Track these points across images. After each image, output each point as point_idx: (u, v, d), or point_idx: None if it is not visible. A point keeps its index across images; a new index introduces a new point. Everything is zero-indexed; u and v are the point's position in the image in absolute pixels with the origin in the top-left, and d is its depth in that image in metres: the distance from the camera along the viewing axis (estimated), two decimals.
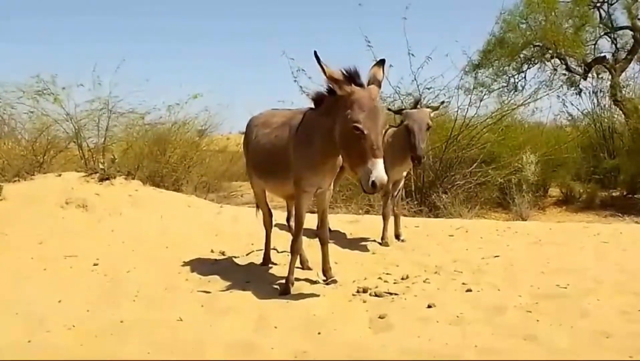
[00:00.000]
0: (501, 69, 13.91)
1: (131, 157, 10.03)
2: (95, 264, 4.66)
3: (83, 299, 3.73)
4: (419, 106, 5.58)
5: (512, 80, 14.24)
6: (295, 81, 10.05)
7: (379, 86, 3.49)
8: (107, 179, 6.87)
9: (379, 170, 3.21)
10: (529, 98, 11.71)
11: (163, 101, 10.55)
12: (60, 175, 7.11)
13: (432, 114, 5.45)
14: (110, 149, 10.07)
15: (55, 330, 3.17)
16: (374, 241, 5.57)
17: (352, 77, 3.39)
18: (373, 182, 3.19)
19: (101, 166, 7.20)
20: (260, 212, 4.89)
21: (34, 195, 6.34)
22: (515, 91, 13.71)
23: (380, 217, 5.72)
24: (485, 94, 11.40)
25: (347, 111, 3.31)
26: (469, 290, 3.81)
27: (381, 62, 3.61)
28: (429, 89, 9.91)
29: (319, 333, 3.11)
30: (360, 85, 3.39)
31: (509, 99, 12.54)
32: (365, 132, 3.24)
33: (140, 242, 5.45)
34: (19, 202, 6.19)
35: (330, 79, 3.40)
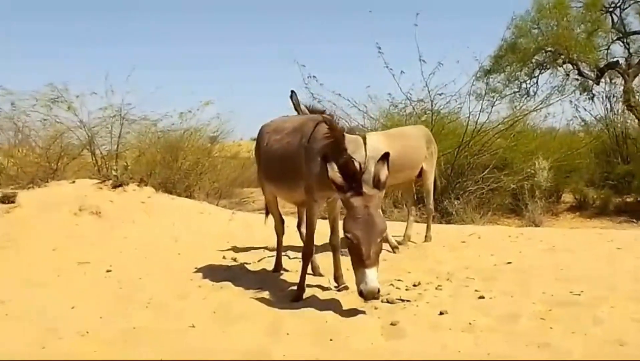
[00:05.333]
0: (513, 74, 13.83)
1: (143, 164, 10.12)
2: (108, 271, 4.69)
3: (96, 306, 3.76)
4: None
5: (524, 85, 14.14)
6: (306, 87, 10.12)
7: (381, 187, 3.50)
8: (120, 186, 6.93)
9: (368, 281, 3.30)
10: (541, 104, 11.68)
11: (174, 109, 10.64)
12: (74, 182, 7.18)
13: None
14: (123, 156, 10.16)
15: (68, 336, 3.19)
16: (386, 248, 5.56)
17: (353, 181, 3.42)
18: (361, 291, 3.33)
19: (114, 173, 7.27)
20: (271, 218, 4.90)
21: (48, 202, 6.41)
22: (527, 97, 13.64)
23: (392, 223, 5.72)
24: (496, 100, 11.38)
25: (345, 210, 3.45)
26: (481, 297, 3.78)
27: (385, 157, 3.56)
28: (440, 95, 9.89)
29: (331, 340, 3.10)
30: (359, 192, 3.40)
31: (521, 104, 12.52)
32: (355, 242, 3.34)
33: (152, 249, 5.49)
34: (34, 209, 6.26)
35: (332, 182, 3.46)
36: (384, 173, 3.51)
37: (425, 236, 5.74)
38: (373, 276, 3.31)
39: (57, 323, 3.39)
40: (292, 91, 5.16)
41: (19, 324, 3.44)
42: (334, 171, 3.46)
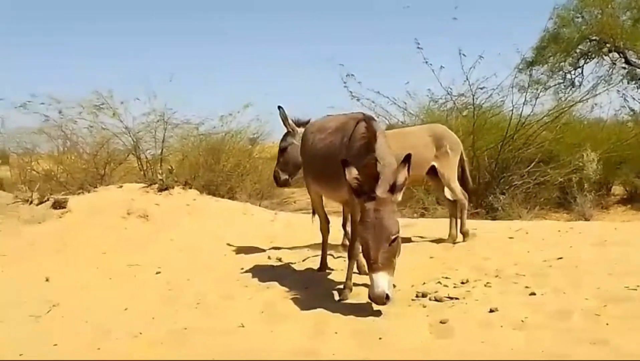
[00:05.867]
0: (556, 65, 13.47)
1: (187, 168, 10.29)
2: (157, 273, 4.79)
3: (147, 307, 3.84)
4: None
5: (568, 76, 13.78)
6: (345, 86, 10.10)
7: (396, 191, 3.45)
8: (166, 189, 7.07)
9: (374, 285, 3.32)
10: (587, 94, 11.31)
11: (217, 113, 10.78)
12: (121, 187, 7.36)
13: None
14: (167, 160, 10.35)
15: (122, 337, 3.27)
16: (432, 242, 5.51)
17: (370, 184, 3.43)
18: (369, 295, 3.36)
19: (159, 177, 7.40)
20: (317, 218, 4.91)
21: (97, 206, 6.59)
22: (573, 87, 13.28)
23: (437, 220, 5.65)
24: (540, 92, 11.06)
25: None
26: (532, 294, 3.70)
27: (407, 160, 3.50)
28: (481, 88, 9.71)
29: (380, 339, 3.09)
30: (371, 196, 3.41)
31: (566, 95, 12.17)
32: (363, 245, 3.41)
33: (199, 250, 5.58)
34: (84, 214, 6.45)
35: (348, 185, 3.50)
36: (401, 177, 3.47)
37: (462, 233, 5.60)
38: (381, 281, 3.30)
39: (110, 325, 3.49)
40: (279, 107, 5.32)
41: (74, 325, 3.55)
42: (350, 175, 3.47)
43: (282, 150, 5.39)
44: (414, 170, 5.34)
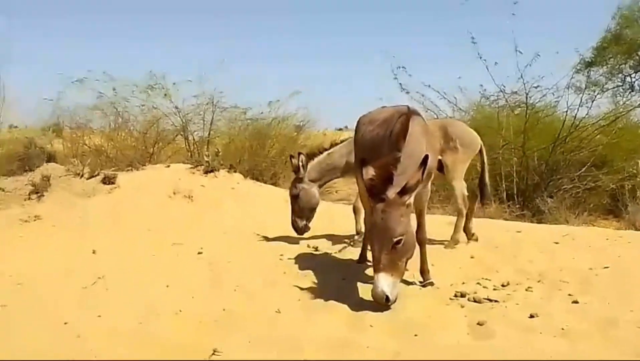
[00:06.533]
0: (617, 67, 12.92)
1: (233, 151, 10.40)
2: (199, 253, 4.89)
3: (188, 286, 3.93)
4: None
5: (628, 79, 13.22)
6: (395, 78, 9.99)
7: (406, 193, 3.43)
8: (212, 171, 7.20)
9: (375, 285, 3.35)
10: None
11: (264, 98, 10.85)
12: (169, 166, 7.53)
13: None
14: (213, 142, 10.49)
15: (163, 314, 3.36)
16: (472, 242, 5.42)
17: (384, 185, 3.46)
18: (371, 295, 3.38)
19: (206, 159, 7.52)
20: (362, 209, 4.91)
21: (144, 184, 6.76)
22: (632, 91, 12.72)
23: (480, 220, 5.53)
24: (598, 94, 10.66)
25: None
26: (575, 302, 3.61)
27: (424, 162, 3.48)
28: (536, 87, 9.44)
29: (416, 335, 3.07)
30: (381, 198, 3.42)
31: (625, 99, 11.71)
32: (370, 245, 3.53)
33: (240, 234, 5.67)
34: (131, 190, 6.62)
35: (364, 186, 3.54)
36: (412, 180, 3.44)
37: (451, 238, 5.36)
38: (382, 282, 3.31)
39: (152, 300, 3.58)
40: (299, 153, 5.45)
41: (117, 299, 3.66)
42: (367, 175, 3.51)
43: (295, 197, 5.40)
44: None
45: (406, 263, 3.58)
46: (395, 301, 3.39)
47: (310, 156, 5.50)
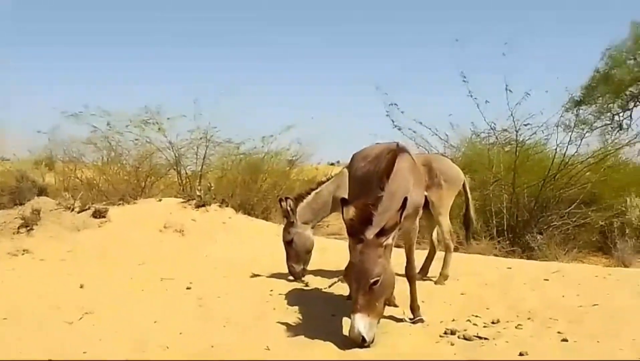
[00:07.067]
0: (605, 106, 13.18)
1: (225, 185, 10.43)
2: (188, 288, 4.85)
3: (177, 321, 3.90)
4: None
5: (616, 118, 13.46)
6: (387, 115, 10.13)
7: (384, 234, 3.45)
8: (203, 205, 7.21)
9: (351, 326, 3.35)
10: (635, 137, 11.01)
11: (258, 133, 10.94)
12: (160, 200, 7.54)
13: None
14: (206, 176, 10.52)
15: (151, 350, 3.33)
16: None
17: (364, 225, 3.48)
18: (350, 336, 3.36)
19: (198, 193, 7.54)
20: None
21: (135, 218, 6.75)
22: (620, 130, 12.94)
23: (471, 256, 5.55)
24: (587, 132, 10.82)
25: None
26: (564, 340, 3.59)
27: (403, 204, 3.51)
28: (526, 125, 9.58)
29: None
30: (360, 238, 3.46)
31: (613, 137, 11.89)
32: (348, 285, 3.50)
33: (231, 268, 5.64)
34: (122, 224, 6.61)
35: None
36: (390, 222, 3.47)
37: (440, 274, 5.37)
38: (358, 323, 3.31)
39: (139, 336, 3.55)
40: (287, 197, 5.43)
41: (104, 334, 3.63)
42: (347, 216, 3.55)
43: (289, 243, 5.40)
44: None
45: (385, 303, 3.59)
46: (372, 341, 3.38)
47: (299, 198, 5.51)
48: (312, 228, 5.54)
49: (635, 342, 3.52)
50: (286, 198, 5.41)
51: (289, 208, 5.34)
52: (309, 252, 5.46)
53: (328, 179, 5.61)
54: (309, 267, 5.71)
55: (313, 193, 5.53)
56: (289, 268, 5.40)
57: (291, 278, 5.41)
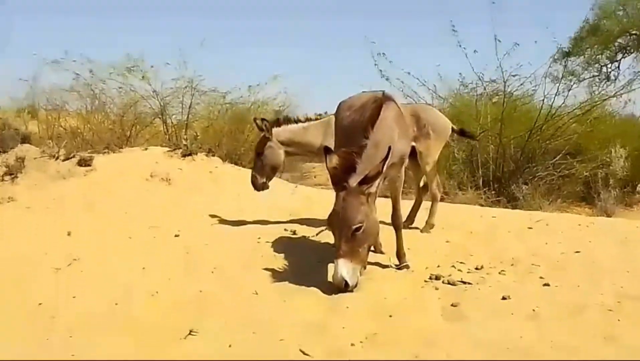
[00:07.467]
0: (593, 57, 13.14)
1: (211, 135, 10.33)
2: (176, 236, 4.87)
3: (165, 268, 3.92)
4: None
5: (604, 69, 13.45)
6: (375, 65, 10.02)
7: (367, 182, 3.46)
8: (190, 155, 7.14)
9: (334, 271, 3.42)
10: (622, 89, 11.04)
11: (244, 83, 10.78)
12: (146, 149, 7.44)
13: None
14: (192, 126, 10.41)
15: (139, 296, 3.36)
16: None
17: (347, 173, 3.52)
18: (333, 281, 3.44)
19: (184, 142, 7.46)
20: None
21: (121, 167, 6.68)
22: (608, 81, 12.96)
23: (457, 205, 5.61)
24: (574, 84, 10.83)
25: None
26: (546, 285, 3.69)
27: (387, 154, 3.50)
28: (514, 76, 9.55)
29: (390, 317, 3.12)
30: (343, 186, 3.49)
31: (600, 89, 11.93)
32: (331, 232, 3.54)
33: (218, 217, 5.65)
34: (108, 173, 6.54)
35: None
36: (373, 171, 3.48)
37: (427, 223, 5.42)
38: (341, 268, 3.37)
39: (127, 282, 3.57)
40: (262, 118, 5.44)
41: (93, 280, 3.65)
42: (330, 163, 3.57)
43: (259, 154, 5.41)
44: None
45: (368, 249, 3.64)
46: (355, 286, 3.44)
47: (285, 121, 5.49)
48: (287, 154, 5.49)
49: (614, 287, 3.63)
50: (262, 120, 5.40)
51: (264, 125, 5.34)
52: (274, 169, 5.47)
53: (317, 119, 5.55)
54: (297, 216, 5.76)
55: (301, 126, 5.47)
56: (251, 177, 5.47)
57: (278, 223, 5.46)
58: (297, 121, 5.51)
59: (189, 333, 2.85)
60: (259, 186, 5.45)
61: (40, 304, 3.19)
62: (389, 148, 3.53)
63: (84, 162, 6.58)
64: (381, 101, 3.87)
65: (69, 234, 4.77)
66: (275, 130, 5.39)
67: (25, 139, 7.87)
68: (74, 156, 6.73)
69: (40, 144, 7.52)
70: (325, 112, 5.69)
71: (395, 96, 4.51)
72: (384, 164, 3.49)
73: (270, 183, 5.51)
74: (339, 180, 3.52)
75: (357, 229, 3.42)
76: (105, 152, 7.23)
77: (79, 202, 5.80)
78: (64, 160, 6.67)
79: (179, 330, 2.88)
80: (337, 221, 3.47)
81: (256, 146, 5.50)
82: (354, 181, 3.47)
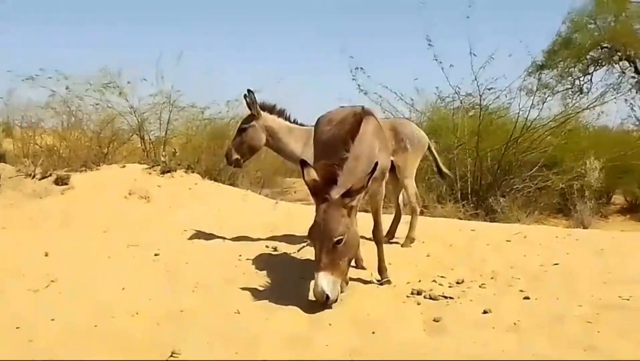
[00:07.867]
0: (566, 70, 13.45)
1: (190, 151, 10.28)
2: (156, 255, 4.82)
3: (145, 288, 3.87)
4: None
5: (577, 82, 13.76)
6: (353, 79, 10.12)
7: (350, 195, 3.48)
8: (169, 171, 7.11)
9: (315, 284, 3.39)
10: (595, 101, 11.32)
11: (222, 97, 10.77)
12: (124, 166, 7.39)
13: None
14: (170, 142, 10.36)
15: (120, 316, 3.31)
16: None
17: (328, 186, 3.53)
18: (313, 295, 3.41)
19: (163, 159, 7.42)
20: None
21: (99, 185, 6.62)
22: (581, 94, 13.29)
23: (436, 219, 5.66)
24: (548, 96, 11.05)
25: None
26: (526, 298, 3.73)
27: (373, 169, 3.53)
28: (489, 89, 9.72)
29: (373, 333, 3.13)
30: (325, 198, 3.50)
31: (574, 101, 12.18)
32: (312, 245, 3.53)
33: (198, 234, 5.61)
34: (85, 191, 6.48)
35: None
36: (357, 184, 3.50)
37: (407, 237, 5.48)
38: (321, 281, 3.36)
39: (108, 303, 3.52)
40: (249, 90, 5.34)
41: (72, 301, 3.57)
42: (308, 177, 3.58)
43: (242, 130, 5.41)
44: None
45: (349, 262, 3.65)
46: (336, 300, 3.44)
47: (280, 113, 5.47)
48: (266, 142, 5.47)
49: (593, 298, 3.68)
50: (249, 91, 5.34)
51: (252, 101, 5.32)
52: (252, 149, 5.47)
53: (302, 124, 5.56)
54: (278, 233, 5.74)
55: (287, 125, 5.48)
56: (227, 151, 5.50)
57: (259, 240, 5.43)
58: (288, 119, 5.52)
59: (171, 355, 2.82)
60: (232, 162, 5.47)
61: (17, 328, 3.12)
62: (376, 163, 3.56)
63: (61, 181, 6.51)
64: (361, 115, 3.89)
65: (46, 254, 4.69)
66: (265, 114, 5.38)
67: (0, 157, 7.76)
68: (50, 175, 6.66)
69: (15, 163, 7.43)
70: (302, 125, 5.67)
71: (375, 110, 4.56)
72: (369, 179, 3.50)
73: (251, 198, 5.49)
74: (320, 191, 3.52)
75: (339, 241, 3.42)
76: (82, 170, 7.16)
77: (56, 221, 5.73)
78: (40, 179, 6.60)
79: (161, 351, 2.84)
80: (318, 233, 3.46)
81: (242, 121, 5.50)
82: (336, 193, 3.49)
